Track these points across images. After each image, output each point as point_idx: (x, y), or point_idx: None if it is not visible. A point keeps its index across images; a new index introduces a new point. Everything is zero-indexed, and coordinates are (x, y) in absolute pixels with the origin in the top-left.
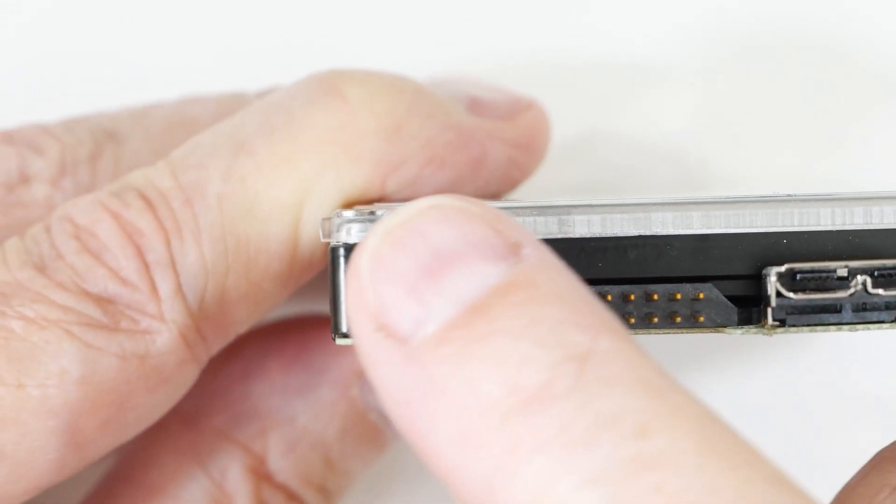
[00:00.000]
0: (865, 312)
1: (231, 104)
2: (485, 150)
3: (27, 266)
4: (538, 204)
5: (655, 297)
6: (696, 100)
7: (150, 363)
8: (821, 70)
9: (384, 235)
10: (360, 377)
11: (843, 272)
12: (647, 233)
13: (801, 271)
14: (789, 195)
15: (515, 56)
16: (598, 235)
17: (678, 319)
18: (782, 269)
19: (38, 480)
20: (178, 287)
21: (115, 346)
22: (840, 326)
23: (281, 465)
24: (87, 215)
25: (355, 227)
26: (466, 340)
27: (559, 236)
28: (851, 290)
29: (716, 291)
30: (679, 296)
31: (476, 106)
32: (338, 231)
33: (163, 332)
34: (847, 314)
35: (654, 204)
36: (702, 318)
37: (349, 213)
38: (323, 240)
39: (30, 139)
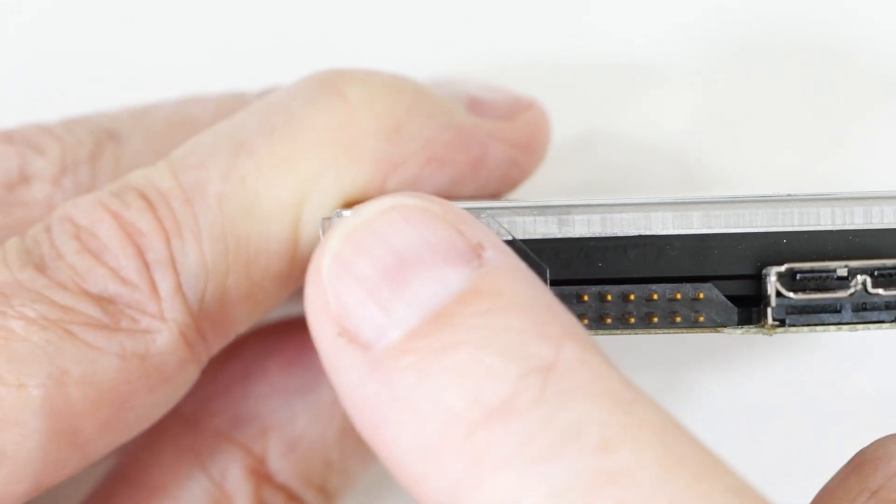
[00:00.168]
0: (865, 312)
1: (231, 104)
2: (485, 150)
3: (27, 266)
4: (538, 204)
5: (655, 296)
6: (695, 100)
7: (150, 363)
8: (821, 70)
9: (345, 238)
10: None
11: (843, 272)
12: (647, 232)
13: (801, 271)
14: (789, 195)
15: (515, 56)
16: (598, 235)
17: (678, 319)
18: (782, 268)
19: (38, 480)
20: (179, 286)
21: (115, 346)
22: (840, 326)
23: (281, 465)
24: (88, 215)
25: None
26: (430, 350)
27: (559, 236)
28: (851, 290)
29: (716, 291)
30: (679, 296)
31: (476, 106)
32: None
33: (163, 331)
34: (847, 314)
35: (654, 204)
36: (702, 318)
37: (348, 213)
38: (323, 239)
39: (30, 139)
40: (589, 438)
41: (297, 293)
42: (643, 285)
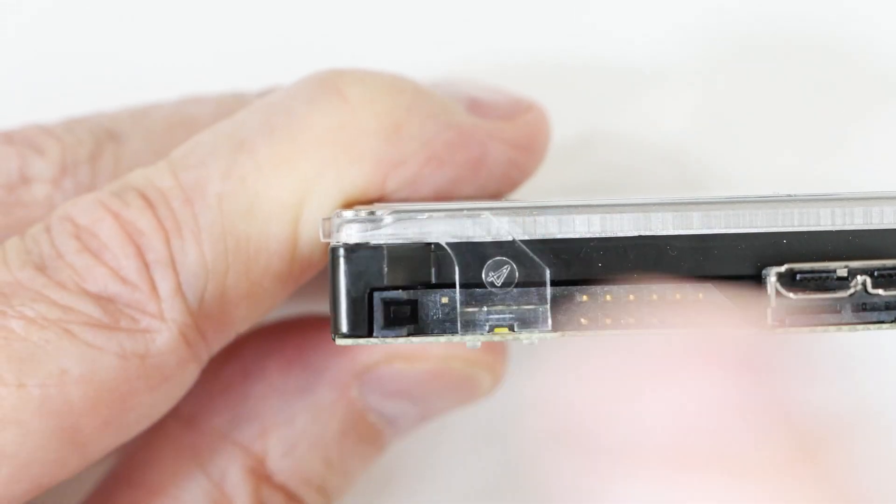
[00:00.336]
0: (865, 313)
1: (231, 104)
2: (485, 151)
3: (27, 266)
4: (538, 204)
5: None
6: (695, 100)
7: (150, 362)
8: (821, 70)
9: None
10: (359, 378)
11: (842, 272)
12: (647, 233)
13: (801, 271)
14: (789, 195)
15: (515, 56)
16: (597, 235)
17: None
18: (782, 269)
19: (39, 480)
20: (178, 286)
21: (115, 346)
22: (840, 327)
23: (280, 465)
24: (88, 215)
25: (355, 227)
26: None
27: (559, 236)
28: (851, 291)
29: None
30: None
31: (476, 106)
32: (338, 231)
33: (163, 331)
34: (847, 314)
35: (654, 204)
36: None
37: (349, 214)
38: (323, 240)
39: (30, 139)
40: None
41: (297, 293)
42: (643, 286)
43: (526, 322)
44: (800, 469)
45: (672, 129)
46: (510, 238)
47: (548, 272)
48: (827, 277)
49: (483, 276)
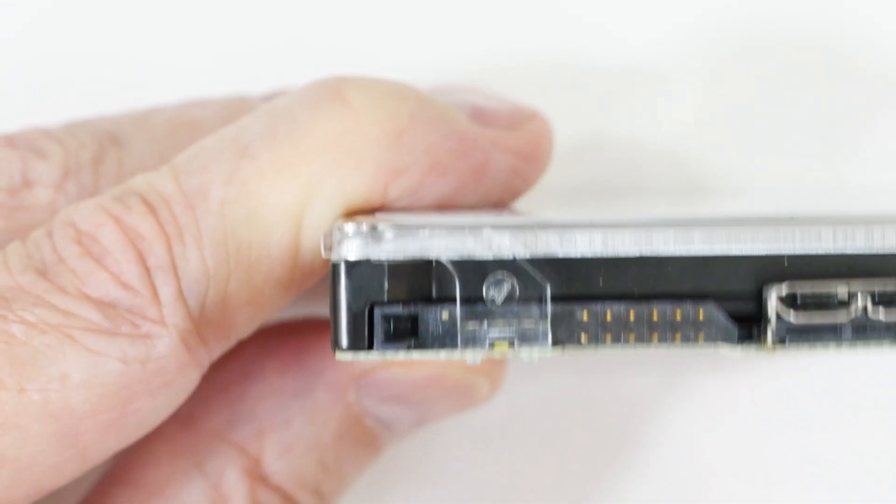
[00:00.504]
0: (866, 334)
1: (235, 107)
2: (487, 159)
3: (29, 270)
4: (540, 220)
5: (656, 315)
6: (696, 100)
7: (151, 367)
8: (821, 70)
9: None
10: (357, 382)
11: (843, 293)
12: (649, 251)
13: (802, 292)
14: (791, 216)
15: (515, 57)
16: (599, 255)
17: (678, 338)
18: (783, 289)
19: (39, 485)
20: (180, 292)
21: (116, 351)
22: (840, 347)
23: (276, 467)
24: (90, 220)
25: (356, 242)
26: None
27: (560, 254)
28: (852, 312)
29: (716, 310)
30: (679, 314)
31: (479, 115)
32: (338, 246)
33: (164, 336)
34: (847, 335)
35: (656, 222)
36: (702, 337)
37: (350, 229)
38: (324, 255)
39: (32, 143)
40: None
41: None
42: (644, 303)
43: (526, 338)
44: None
45: (672, 130)
46: (511, 255)
47: (548, 289)
48: (828, 298)
49: (484, 291)
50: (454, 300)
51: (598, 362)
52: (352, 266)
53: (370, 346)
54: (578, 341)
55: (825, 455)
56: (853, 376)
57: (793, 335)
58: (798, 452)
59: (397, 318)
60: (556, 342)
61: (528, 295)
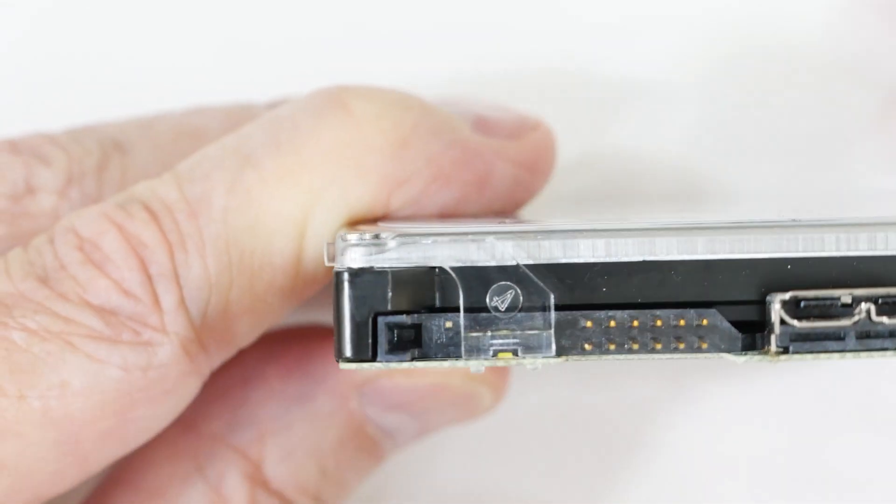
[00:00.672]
0: (869, 340)
1: (239, 115)
2: (490, 169)
3: (30, 277)
4: (542, 228)
5: (659, 322)
6: (698, 112)
7: (151, 375)
8: (822, 81)
9: None
10: (359, 389)
11: (847, 300)
12: (652, 258)
13: (805, 298)
14: (793, 221)
15: (517, 69)
16: (602, 260)
17: (682, 345)
18: (786, 296)
19: (39, 492)
20: (181, 299)
21: (117, 358)
22: (843, 354)
23: (277, 471)
24: (92, 227)
25: (359, 251)
26: None
27: (563, 261)
28: (855, 318)
29: (720, 318)
30: (683, 322)
31: (482, 124)
32: (342, 255)
33: (165, 344)
34: (851, 342)
35: (659, 229)
36: (705, 345)
37: (353, 237)
38: (327, 263)
39: (36, 149)
40: None
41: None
42: (647, 311)
43: (530, 347)
44: None
45: (673, 141)
46: (514, 263)
47: (552, 297)
48: (831, 304)
49: (487, 300)
50: (457, 309)
51: (600, 369)
52: (355, 274)
53: (374, 357)
54: (582, 350)
55: (829, 462)
56: (857, 384)
57: (796, 342)
58: (802, 460)
59: (401, 328)
60: (559, 351)
61: (532, 303)
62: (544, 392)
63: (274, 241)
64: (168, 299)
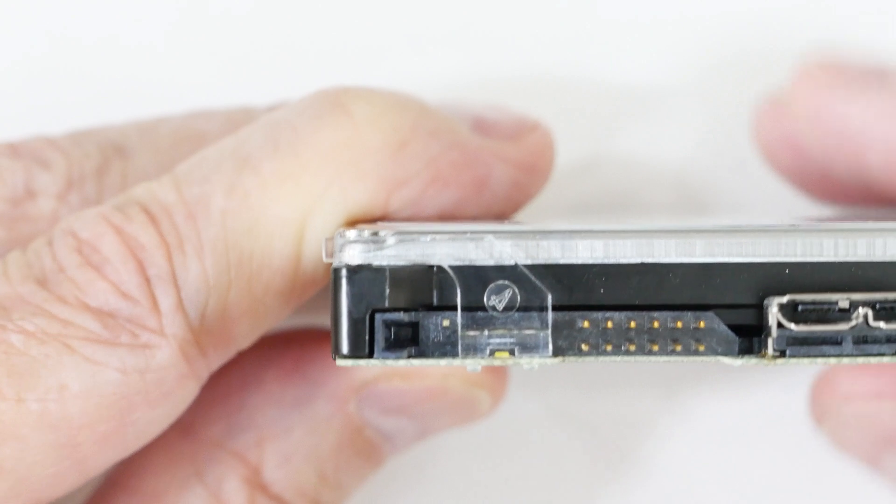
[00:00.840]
0: (866, 345)
1: (240, 119)
2: (489, 171)
3: (28, 279)
4: (541, 228)
5: (656, 324)
6: (699, 120)
7: (149, 378)
8: None
9: None
10: (358, 393)
11: (844, 304)
12: (650, 260)
13: (803, 302)
14: (792, 225)
15: (518, 76)
16: (600, 262)
17: (678, 348)
18: (784, 299)
19: (37, 495)
20: (179, 302)
21: (115, 361)
22: (840, 358)
23: (276, 476)
24: (90, 229)
25: (358, 248)
26: None
27: (562, 261)
28: (853, 323)
29: (717, 321)
30: (680, 324)
31: (481, 126)
32: (340, 251)
33: (163, 346)
34: (848, 346)
35: (657, 231)
36: (702, 347)
37: (352, 234)
38: (326, 260)
39: (36, 152)
40: None
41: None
42: (644, 313)
43: (527, 347)
44: None
45: (674, 150)
46: (512, 262)
47: (549, 297)
48: (828, 309)
49: (485, 299)
50: (455, 307)
51: (596, 380)
52: (353, 271)
53: (371, 354)
54: (579, 350)
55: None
56: None
57: (793, 346)
58: (796, 470)
59: (398, 325)
60: (556, 351)
61: (529, 303)
62: (538, 401)
63: (272, 244)
64: (166, 301)
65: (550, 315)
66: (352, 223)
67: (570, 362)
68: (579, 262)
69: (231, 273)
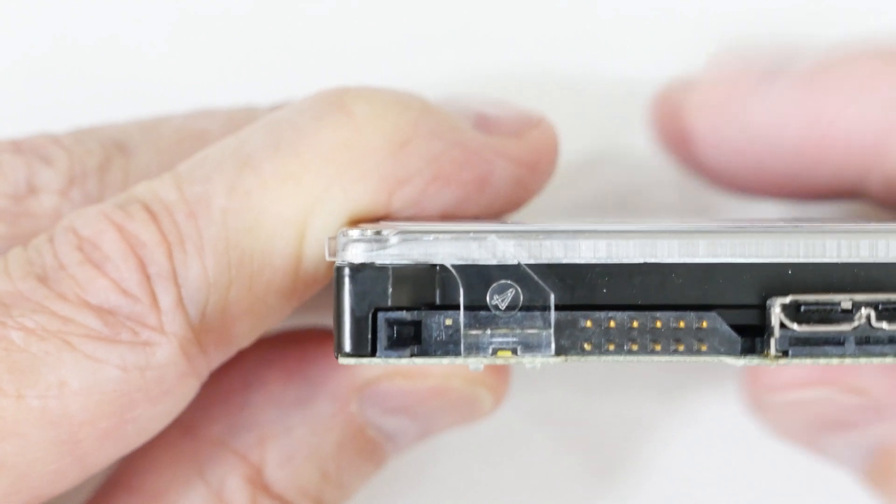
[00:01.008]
0: (868, 346)
1: (242, 118)
2: (491, 169)
3: (29, 276)
4: (544, 228)
5: (659, 324)
6: None
7: (150, 375)
8: None
9: None
10: (360, 392)
11: (847, 305)
12: (653, 260)
13: (806, 303)
14: (795, 225)
15: (521, 74)
16: (603, 261)
17: (681, 348)
18: (786, 300)
19: (38, 492)
20: (180, 299)
21: (115, 358)
22: (843, 359)
23: (278, 475)
24: (91, 226)
25: (361, 247)
26: None
27: (565, 261)
28: (855, 324)
29: (720, 321)
30: (683, 324)
31: (483, 122)
32: (343, 250)
33: (163, 344)
34: (850, 347)
35: (660, 231)
36: (705, 347)
37: (355, 233)
38: (328, 258)
39: (39, 149)
40: None
41: (300, 305)
42: (647, 312)
43: (529, 346)
44: None
45: None
46: (515, 262)
47: (552, 297)
48: (831, 310)
49: (487, 298)
50: (457, 307)
51: (598, 384)
52: (356, 270)
53: (373, 352)
54: (581, 350)
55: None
56: None
57: (796, 346)
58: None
59: (401, 324)
60: (559, 350)
61: (532, 302)
62: (539, 402)
63: (274, 243)
64: (166, 299)
65: (553, 314)
66: (353, 223)
67: (573, 362)
68: (582, 261)
69: (232, 272)
